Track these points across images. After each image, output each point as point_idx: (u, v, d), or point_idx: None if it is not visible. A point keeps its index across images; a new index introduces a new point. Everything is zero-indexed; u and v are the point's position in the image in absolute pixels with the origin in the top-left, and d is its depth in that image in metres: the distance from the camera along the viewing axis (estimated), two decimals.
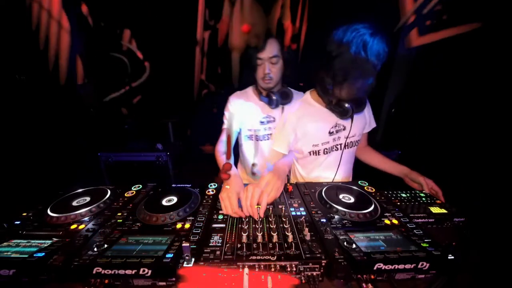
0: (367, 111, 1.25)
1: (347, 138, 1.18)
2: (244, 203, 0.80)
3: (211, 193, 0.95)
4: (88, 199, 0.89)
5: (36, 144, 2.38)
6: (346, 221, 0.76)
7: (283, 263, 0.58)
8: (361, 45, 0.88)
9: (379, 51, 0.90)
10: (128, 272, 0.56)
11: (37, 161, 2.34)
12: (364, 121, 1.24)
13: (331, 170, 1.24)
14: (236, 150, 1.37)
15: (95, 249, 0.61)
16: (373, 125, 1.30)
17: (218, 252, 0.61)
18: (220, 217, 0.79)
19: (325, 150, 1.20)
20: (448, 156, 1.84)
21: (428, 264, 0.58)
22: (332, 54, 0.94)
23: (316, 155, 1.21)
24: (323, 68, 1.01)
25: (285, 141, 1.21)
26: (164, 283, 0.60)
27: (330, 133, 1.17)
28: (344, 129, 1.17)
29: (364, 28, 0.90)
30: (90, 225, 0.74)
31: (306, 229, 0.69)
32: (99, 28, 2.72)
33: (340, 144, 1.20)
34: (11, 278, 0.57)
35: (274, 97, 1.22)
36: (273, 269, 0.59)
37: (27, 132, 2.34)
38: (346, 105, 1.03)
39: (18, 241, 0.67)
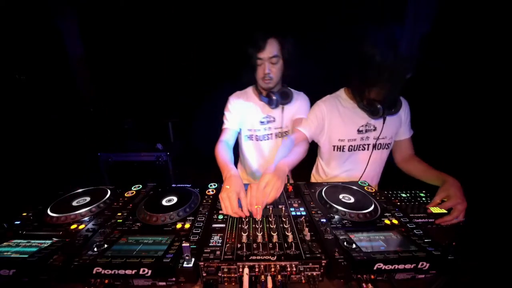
0: (404, 116, 1.21)
1: (377, 139, 1.17)
2: (244, 203, 0.80)
3: (211, 193, 0.95)
4: (88, 199, 0.89)
5: (36, 144, 2.39)
6: (346, 221, 0.76)
7: (283, 263, 0.58)
8: (393, 49, 0.92)
9: (410, 55, 0.94)
10: (128, 272, 0.56)
11: (37, 161, 2.34)
12: (398, 125, 1.20)
13: (356, 169, 1.23)
14: (236, 150, 1.37)
15: (95, 249, 0.61)
16: (409, 132, 1.24)
17: (218, 252, 0.61)
18: (220, 217, 0.79)
19: (350, 147, 1.20)
20: (447, 155, 1.84)
21: (428, 264, 0.58)
22: (364, 56, 0.97)
23: (340, 151, 1.21)
24: (355, 68, 1.05)
25: (309, 124, 1.22)
26: (164, 283, 0.60)
27: (359, 131, 1.17)
28: (375, 129, 1.17)
29: (396, 34, 0.94)
30: (90, 225, 0.74)
31: (306, 229, 0.69)
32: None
33: (368, 145, 1.20)
34: (11, 278, 0.57)
35: (274, 97, 1.22)
36: (273, 269, 0.59)
37: (27, 132, 2.34)
38: (378, 105, 1.03)
39: (18, 241, 0.67)
